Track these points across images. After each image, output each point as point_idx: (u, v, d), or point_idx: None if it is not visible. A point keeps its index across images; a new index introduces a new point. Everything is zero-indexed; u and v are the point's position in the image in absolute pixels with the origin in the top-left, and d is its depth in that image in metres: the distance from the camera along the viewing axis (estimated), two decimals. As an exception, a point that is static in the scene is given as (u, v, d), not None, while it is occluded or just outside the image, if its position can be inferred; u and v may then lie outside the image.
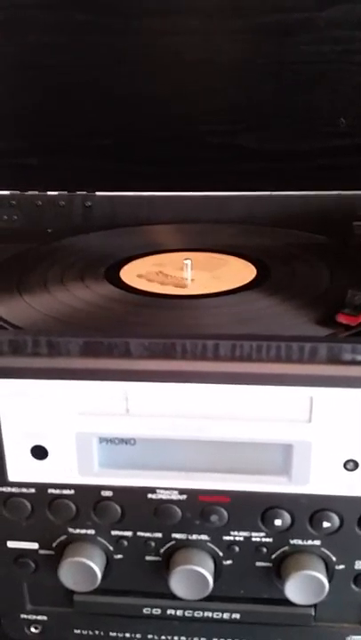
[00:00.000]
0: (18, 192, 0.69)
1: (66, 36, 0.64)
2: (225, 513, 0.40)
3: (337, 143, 0.65)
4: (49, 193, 0.69)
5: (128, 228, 0.66)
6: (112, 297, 0.49)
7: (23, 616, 0.45)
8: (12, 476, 0.40)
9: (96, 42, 0.64)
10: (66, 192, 0.69)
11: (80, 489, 0.40)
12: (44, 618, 0.45)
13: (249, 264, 0.55)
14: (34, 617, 0.45)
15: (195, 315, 0.46)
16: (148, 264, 0.56)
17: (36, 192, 0.69)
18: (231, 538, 0.41)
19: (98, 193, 0.69)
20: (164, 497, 0.40)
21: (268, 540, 0.40)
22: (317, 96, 0.64)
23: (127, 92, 0.66)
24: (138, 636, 0.44)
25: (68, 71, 0.65)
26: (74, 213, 0.69)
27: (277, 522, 0.40)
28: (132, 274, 0.54)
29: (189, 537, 0.41)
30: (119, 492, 0.40)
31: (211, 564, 0.41)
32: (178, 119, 0.66)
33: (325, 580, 0.39)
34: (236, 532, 0.40)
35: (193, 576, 0.40)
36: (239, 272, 0.53)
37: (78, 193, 0.69)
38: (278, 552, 0.41)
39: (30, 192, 0.69)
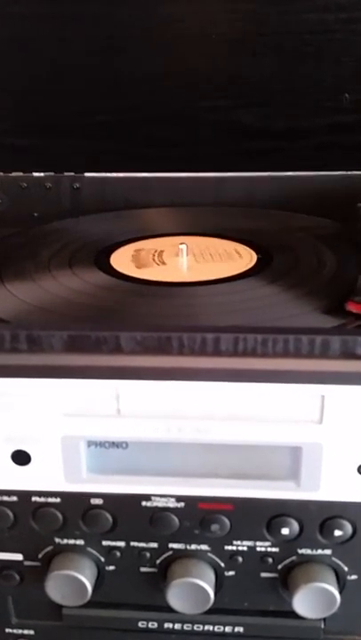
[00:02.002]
0: (1, 173, 0.66)
1: (56, 6, 0.61)
2: (227, 522, 0.37)
3: (341, 120, 0.63)
4: (35, 174, 0.66)
5: (119, 211, 0.64)
6: (102, 285, 0.47)
7: (8, 630, 0.43)
8: (-8, 482, 0.37)
9: (88, 12, 0.61)
10: (53, 173, 0.66)
11: (67, 497, 0.37)
12: (31, 632, 0.43)
13: (249, 249, 0.52)
14: (20, 631, 0.43)
15: (192, 304, 0.44)
16: (141, 250, 0.53)
17: (21, 173, 0.66)
18: (234, 548, 0.38)
19: (87, 174, 0.66)
20: (159, 505, 0.37)
21: (274, 549, 0.38)
22: (320, 69, 0.61)
23: (120, 65, 0.63)
24: (133, 651, 0.42)
25: (58, 44, 0.62)
26: (61, 196, 0.66)
27: (285, 530, 0.37)
28: (124, 260, 0.51)
29: (188, 547, 0.38)
30: (110, 499, 0.37)
31: (211, 576, 0.38)
32: (173, 94, 0.63)
33: (336, 593, 0.37)
34: (239, 542, 0.38)
35: (192, 589, 0.37)
36: (239, 258, 0.50)
37: (66, 174, 0.66)
38: (285, 562, 0.38)
39: (15, 173, 0.66)
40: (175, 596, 0.37)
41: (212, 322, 0.40)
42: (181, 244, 0.51)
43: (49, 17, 0.61)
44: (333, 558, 0.38)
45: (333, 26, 0.59)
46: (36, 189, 0.66)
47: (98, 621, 0.41)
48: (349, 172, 0.63)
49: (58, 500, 0.37)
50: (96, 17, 0.61)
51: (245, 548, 0.38)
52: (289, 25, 0.60)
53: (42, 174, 0.66)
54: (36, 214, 0.66)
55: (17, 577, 0.40)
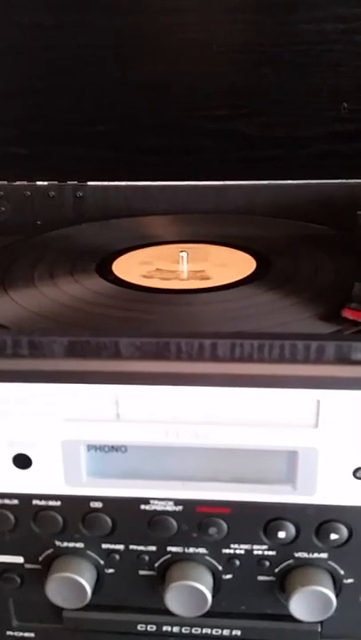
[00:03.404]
0: (5, 182, 0.67)
1: (57, 15, 0.61)
2: (225, 525, 0.37)
3: (340, 129, 0.63)
4: (38, 183, 0.67)
5: (121, 219, 0.65)
6: (103, 292, 0.47)
7: (9, 633, 0.43)
8: (-6, 486, 0.38)
9: (89, 21, 0.61)
10: (56, 182, 0.66)
11: (67, 500, 0.38)
12: (32, 635, 0.43)
13: (249, 256, 0.53)
14: (20, 634, 0.43)
15: (191, 311, 0.44)
16: (142, 257, 0.54)
17: (25, 182, 0.66)
18: (231, 551, 0.38)
19: (90, 183, 0.66)
20: (158, 508, 0.37)
21: (271, 553, 0.38)
22: (319, 79, 0.62)
23: (121, 75, 0.63)
24: (132, 653, 0.42)
25: (59, 53, 0.62)
26: (64, 204, 0.67)
27: (281, 534, 0.37)
28: (125, 268, 0.51)
29: (186, 550, 0.38)
30: (110, 503, 0.38)
31: (209, 579, 0.38)
32: (174, 104, 0.64)
33: (333, 596, 0.37)
34: (236, 545, 0.38)
35: (190, 592, 0.38)
36: (238, 265, 0.51)
37: (69, 183, 0.66)
38: (282, 566, 0.38)
39: (19, 182, 0.67)
40: (173, 599, 0.38)
41: (210, 328, 0.40)
42: (182, 251, 0.51)
43: (52, 26, 0.61)
44: (330, 562, 0.38)
45: (332, 36, 0.60)
46: (40, 198, 0.66)
47: (97, 624, 0.41)
48: (349, 181, 0.63)
49: (58, 503, 0.38)
50: (98, 26, 0.61)
51: (243, 552, 0.38)
52: (288, 35, 0.60)
53: (45, 183, 0.66)
54: (39, 222, 0.66)
55: (18, 579, 0.40)
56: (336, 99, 0.62)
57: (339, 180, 0.63)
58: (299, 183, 0.64)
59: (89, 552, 0.39)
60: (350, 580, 0.38)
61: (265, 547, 0.38)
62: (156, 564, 0.39)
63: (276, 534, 0.37)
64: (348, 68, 0.61)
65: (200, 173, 0.65)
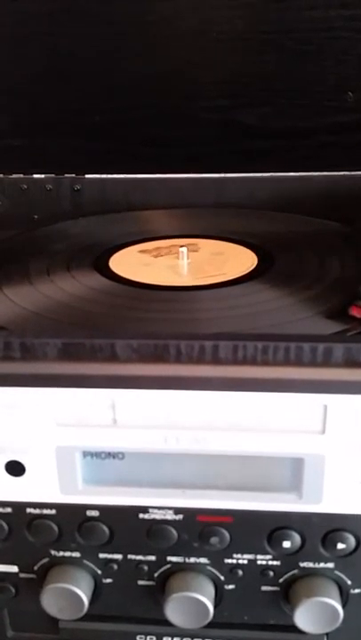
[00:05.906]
0: (1, 175, 0.66)
1: (53, 4, 0.60)
2: (227, 534, 0.36)
3: (344, 119, 0.62)
4: (35, 176, 0.66)
5: (120, 213, 0.63)
6: (100, 289, 0.46)
7: (4, 643, 0.41)
8: (-14, 494, 0.36)
9: (86, 10, 0.60)
10: (53, 175, 0.65)
11: (62, 508, 0.36)
12: (28, 645, 0.41)
13: (250, 252, 0.51)
14: (16, 644, 0.41)
15: (191, 309, 0.43)
16: (141, 252, 0.52)
17: (21, 175, 0.65)
18: (234, 561, 0.37)
19: (87, 175, 0.65)
20: (157, 517, 0.36)
21: (275, 562, 0.37)
22: (323, 67, 0.60)
23: (119, 64, 0.62)
24: (131, 665, 0.41)
25: (55, 43, 0.61)
26: (62, 198, 0.66)
27: (286, 543, 0.36)
28: (123, 263, 0.50)
29: (187, 560, 0.37)
30: (107, 511, 0.36)
31: (211, 590, 0.37)
32: (172, 94, 0.62)
33: (340, 607, 0.36)
34: (239, 555, 0.37)
35: (191, 603, 0.36)
36: (240, 261, 0.50)
37: (66, 175, 0.65)
38: (287, 576, 0.37)
39: (15, 175, 0.65)
40: (174, 611, 0.36)
41: (211, 327, 0.39)
42: (182, 246, 0.50)
43: (47, 15, 0.60)
44: (336, 572, 0.36)
45: (336, 23, 0.58)
46: (37, 191, 0.65)
47: (95, 635, 0.40)
48: (352, 172, 0.62)
49: (53, 511, 0.36)
50: (94, 15, 0.60)
51: (246, 562, 0.37)
52: (290, 22, 0.59)
53: (42, 176, 0.65)
54: (36, 216, 0.65)
55: (12, 589, 0.39)
56: (340, 88, 0.61)
57: (342, 172, 0.62)
58: (301, 175, 0.63)
59: (86, 561, 0.38)
60: (358, 591, 0.37)
61: (269, 556, 0.36)
62: (156, 574, 0.38)
63: (281, 544, 0.36)
64: (353, 56, 0.59)
65: (200, 165, 0.63)
